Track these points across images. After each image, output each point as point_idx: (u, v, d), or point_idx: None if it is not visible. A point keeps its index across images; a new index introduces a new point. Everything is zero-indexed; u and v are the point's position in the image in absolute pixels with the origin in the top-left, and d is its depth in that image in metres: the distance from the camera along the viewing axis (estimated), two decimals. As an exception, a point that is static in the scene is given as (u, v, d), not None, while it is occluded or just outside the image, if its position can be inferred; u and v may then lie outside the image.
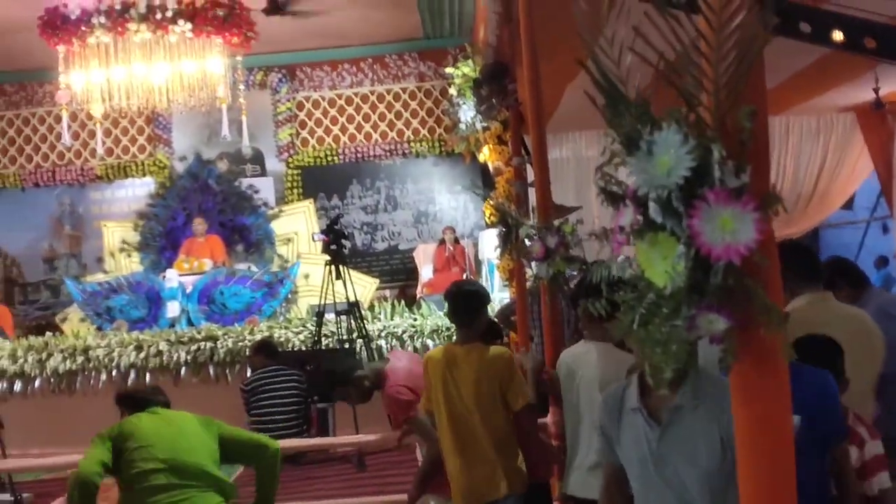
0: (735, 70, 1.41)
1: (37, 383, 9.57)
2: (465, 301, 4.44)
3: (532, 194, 6.48)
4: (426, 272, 13.31)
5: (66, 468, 7.63)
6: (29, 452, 8.14)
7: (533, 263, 5.12)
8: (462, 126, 11.49)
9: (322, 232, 8.70)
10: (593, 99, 1.54)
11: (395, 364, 4.96)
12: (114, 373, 9.52)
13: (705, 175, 1.42)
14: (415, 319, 9.81)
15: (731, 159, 1.42)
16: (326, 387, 7.79)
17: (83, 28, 10.58)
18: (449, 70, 11.64)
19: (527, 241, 5.07)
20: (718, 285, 1.44)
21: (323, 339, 9.10)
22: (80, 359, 9.61)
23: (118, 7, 10.57)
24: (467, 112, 10.83)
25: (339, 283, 8.56)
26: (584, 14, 1.51)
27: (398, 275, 14.17)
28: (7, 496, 6.70)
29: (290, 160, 14.29)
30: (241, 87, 12.16)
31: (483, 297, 4.52)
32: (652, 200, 1.46)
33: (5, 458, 6.95)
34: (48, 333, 10.59)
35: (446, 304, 4.57)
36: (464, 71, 10.76)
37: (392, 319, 9.91)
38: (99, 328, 11.32)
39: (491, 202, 8.77)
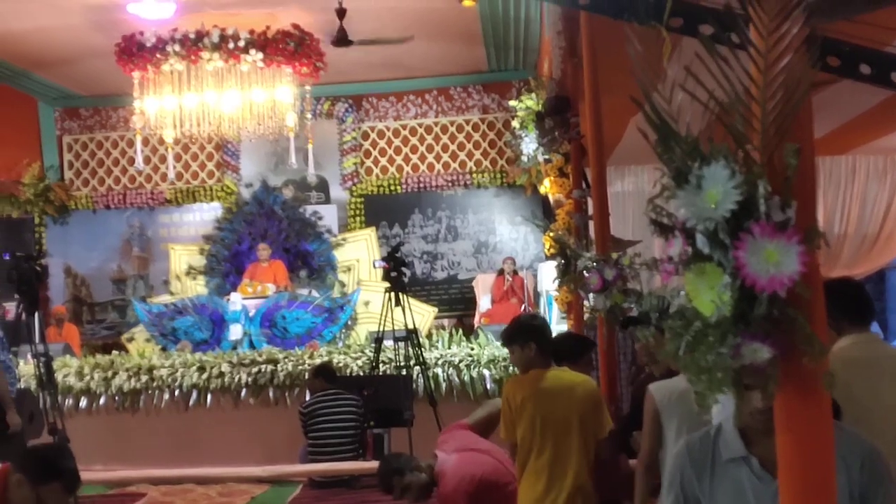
0: (782, 109, 1.48)
1: (102, 401, 9.77)
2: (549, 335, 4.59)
3: (591, 227, 6.55)
4: (484, 302, 13.38)
5: (129, 483, 7.83)
6: (92, 468, 8.32)
7: (590, 295, 5.17)
8: (524, 158, 11.57)
9: (383, 259, 8.81)
10: (645, 134, 1.61)
11: (443, 467, 4.90)
12: (176, 392, 9.69)
13: (751, 209, 1.49)
14: (472, 349, 9.86)
15: (776, 195, 1.49)
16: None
17: (158, 55, 10.91)
18: (512, 103, 11.75)
19: (585, 273, 5.13)
20: (763, 315, 1.50)
21: (381, 365, 9.20)
22: (144, 378, 9.80)
23: (192, 36, 10.88)
24: (529, 144, 10.90)
25: (398, 311, 8.66)
26: (638, 54, 1.59)
27: (456, 304, 14.26)
28: (71, 509, 6.85)
29: (353, 188, 14.51)
30: (309, 116, 12.41)
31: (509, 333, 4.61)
32: (700, 232, 1.53)
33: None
34: (114, 352, 10.83)
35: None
36: (527, 104, 10.85)
37: (449, 348, 9.97)
38: (163, 348, 11.56)
39: (550, 234, 8.82)
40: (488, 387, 9.36)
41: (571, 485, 4.27)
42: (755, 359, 1.52)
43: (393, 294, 8.53)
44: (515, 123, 11.68)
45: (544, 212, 12.66)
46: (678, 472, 2.42)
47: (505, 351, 9.56)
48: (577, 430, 4.29)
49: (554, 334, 5.56)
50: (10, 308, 7.46)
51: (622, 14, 4.27)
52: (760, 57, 1.46)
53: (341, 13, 9.91)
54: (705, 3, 3.79)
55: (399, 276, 8.44)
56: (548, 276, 11.44)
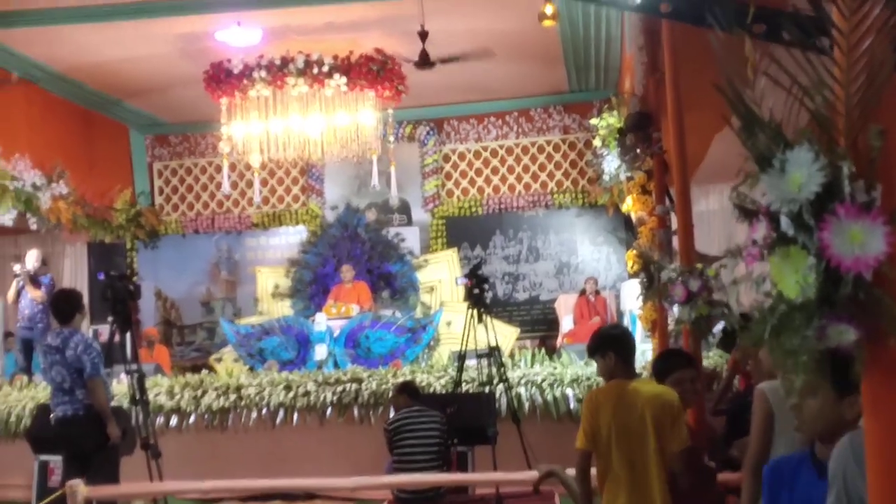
0: (865, 91, 1.49)
1: (191, 419, 9.96)
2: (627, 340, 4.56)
3: (675, 243, 6.51)
4: (567, 323, 13.34)
5: (220, 493, 7.99)
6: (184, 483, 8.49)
7: (675, 307, 5.14)
8: (605, 177, 11.54)
9: (465, 276, 8.88)
10: (728, 121, 1.64)
11: None
12: (263, 411, 9.84)
13: (836, 191, 1.50)
14: (554, 368, 9.83)
15: (861, 177, 1.50)
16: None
17: (245, 81, 11.19)
18: (594, 121, 11.75)
19: (669, 285, 5.10)
20: (848, 296, 1.51)
21: (463, 383, 9.23)
22: (232, 396, 9.97)
23: (278, 62, 11.14)
24: (611, 163, 10.87)
25: (480, 329, 8.69)
26: (719, 41, 1.62)
27: (539, 325, 14.24)
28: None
29: (435, 210, 14.64)
30: (391, 139, 12.57)
31: (594, 342, 4.59)
32: (784, 215, 1.54)
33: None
34: (203, 372, 11.06)
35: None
36: (609, 121, 10.84)
37: (532, 367, 9.96)
38: (251, 368, 11.78)
39: (633, 251, 8.78)
40: (571, 406, 9.31)
41: (650, 498, 4.23)
42: (841, 341, 1.52)
43: (475, 311, 8.57)
44: (597, 142, 11.67)
45: (627, 231, 12.60)
46: (841, 468, 2.32)
47: (588, 370, 9.57)
48: (652, 442, 4.24)
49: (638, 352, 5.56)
50: (104, 330, 7.69)
51: (703, 20, 4.27)
52: (843, 38, 1.48)
53: (423, 35, 10.05)
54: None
55: (481, 293, 8.48)
56: (630, 296, 11.36)
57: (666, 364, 4.86)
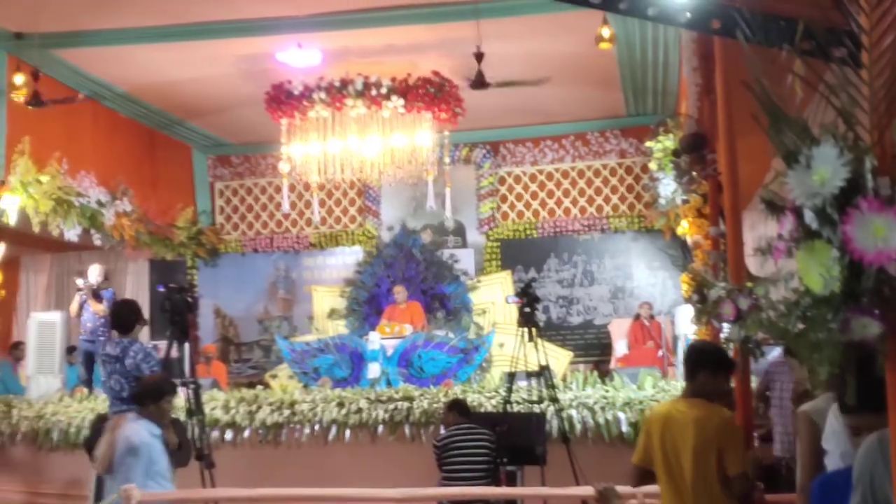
0: (889, 88, 1.52)
1: (246, 433, 10.08)
2: (689, 355, 4.52)
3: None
4: (621, 347, 13.27)
5: (271, 501, 8.07)
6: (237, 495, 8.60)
7: (725, 326, 5.11)
8: (662, 201, 11.50)
9: (516, 295, 8.90)
10: (757, 118, 1.67)
11: None
12: (316, 427, 9.93)
13: (859, 185, 1.53)
14: (606, 391, 9.79)
15: (884, 172, 1.53)
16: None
17: (305, 103, 11.38)
18: (649, 143, 11.72)
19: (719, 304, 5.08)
20: (872, 290, 1.53)
21: (514, 404, 9.23)
22: (286, 412, 10.08)
23: (337, 84, 11.31)
24: (667, 186, 10.84)
25: (531, 349, 8.69)
26: (751, 48, 1.66)
27: (592, 349, 14.18)
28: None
29: (490, 233, 14.70)
30: (447, 161, 12.67)
31: (708, 356, 4.50)
32: (808, 209, 1.58)
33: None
34: (258, 387, 11.19)
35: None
36: (665, 145, 10.81)
37: (584, 389, 9.93)
38: (305, 385, 11.89)
39: (688, 273, 8.74)
40: (623, 430, 9.26)
41: None
42: (865, 334, 1.54)
43: (526, 330, 8.58)
44: (653, 165, 11.64)
45: (683, 254, 12.52)
46: (868, 468, 2.28)
47: (641, 394, 9.51)
48: (696, 464, 4.22)
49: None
50: (162, 346, 7.85)
51: (753, 38, 4.29)
52: (865, 35, 1.51)
53: (479, 57, 10.14)
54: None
55: (532, 312, 8.49)
56: (685, 320, 11.28)
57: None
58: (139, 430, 5.40)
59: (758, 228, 11.89)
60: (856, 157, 1.53)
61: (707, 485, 4.20)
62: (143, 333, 7.87)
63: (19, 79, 10.00)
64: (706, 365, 4.43)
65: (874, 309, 1.54)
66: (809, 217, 1.57)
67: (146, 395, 5.57)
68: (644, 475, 4.50)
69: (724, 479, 4.20)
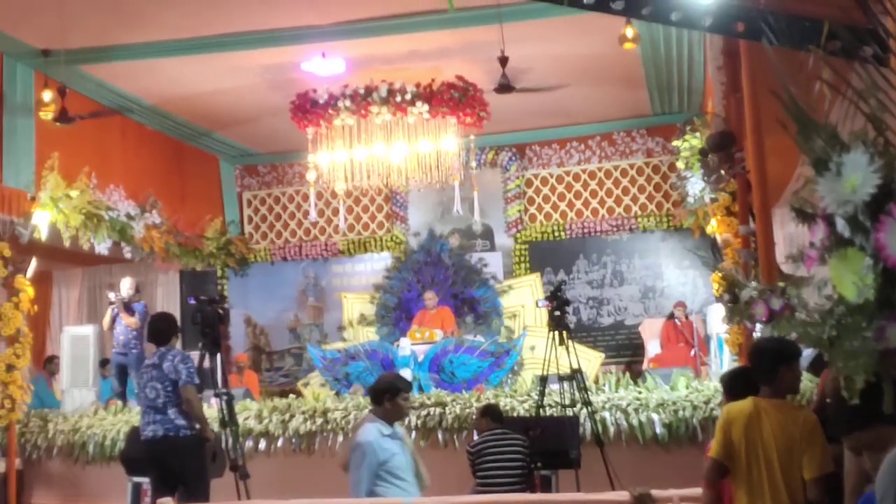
0: (919, 92, 1.50)
1: (279, 442, 10.12)
2: (764, 354, 4.46)
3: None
4: (653, 347, 13.21)
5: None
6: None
7: (758, 327, 5.07)
8: (690, 199, 11.43)
9: (546, 298, 8.87)
10: (785, 124, 1.65)
11: None
12: (350, 434, 9.94)
13: (892, 192, 1.51)
14: (639, 392, 9.73)
15: (917, 177, 1.50)
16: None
17: (330, 111, 11.41)
18: (676, 143, 11.65)
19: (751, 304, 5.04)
20: (907, 297, 1.51)
21: (547, 407, 9.20)
22: (319, 420, 10.10)
23: (362, 91, 11.33)
24: (695, 185, 10.77)
25: (562, 352, 8.66)
26: (775, 50, 1.64)
27: (624, 350, 14.12)
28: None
29: (518, 235, 14.67)
30: (473, 164, 12.66)
31: (785, 352, 4.40)
32: (840, 217, 1.55)
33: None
34: (291, 396, 11.22)
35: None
36: (692, 143, 10.75)
37: (616, 391, 9.87)
38: (337, 392, 11.91)
39: (718, 273, 8.67)
40: (657, 431, 9.20)
41: None
42: (901, 341, 1.52)
43: (557, 333, 8.55)
44: (680, 164, 11.57)
45: (713, 253, 12.43)
46: (892, 484, 2.11)
47: (675, 395, 9.45)
48: (782, 466, 4.18)
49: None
50: (194, 356, 7.89)
51: (780, 40, 4.26)
52: (893, 39, 1.49)
53: (503, 61, 10.13)
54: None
55: (562, 315, 8.46)
56: (717, 319, 11.20)
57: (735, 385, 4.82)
58: (368, 430, 5.44)
59: (788, 226, 11.81)
60: (886, 163, 1.50)
61: (792, 488, 4.16)
62: (177, 345, 7.90)
63: (47, 95, 10.08)
64: (784, 359, 4.36)
65: (910, 316, 1.52)
66: (841, 225, 1.55)
67: (382, 392, 5.59)
68: (722, 470, 4.46)
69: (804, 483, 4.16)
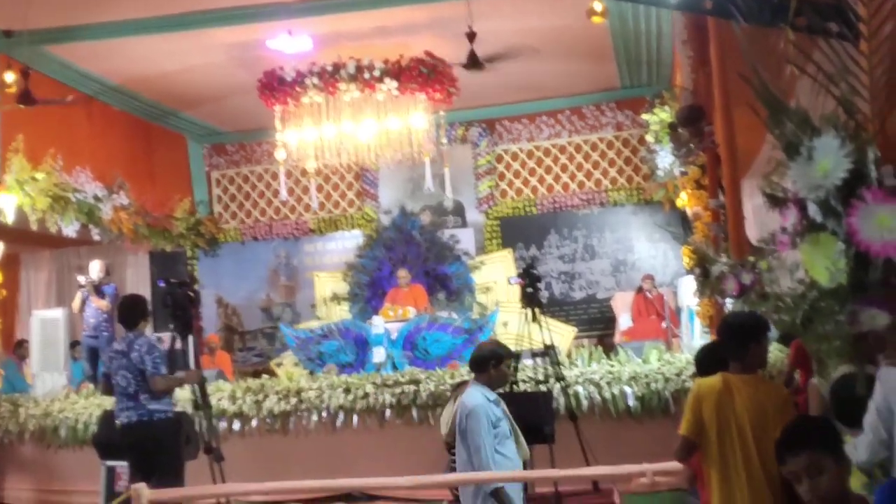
0: (890, 77, 1.50)
1: (253, 423, 10.08)
2: (734, 330, 4.44)
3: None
4: (624, 320, 13.27)
5: (283, 495, 8.09)
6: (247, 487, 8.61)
7: (728, 302, 5.11)
8: (660, 173, 11.47)
9: (518, 276, 8.87)
10: (756, 110, 1.65)
11: None
12: (324, 414, 9.92)
13: (863, 176, 1.51)
14: (612, 366, 9.77)
15: (888, 161, 1.50)
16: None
17: (298, 89, 11.32)
18: (646, 116, 11.67)
19: (722, 279, 5.07)
20: (879, 281, 1.51)
21: (520, 383, 9.22)
22: (293, 400, 10.06)
23: (329, 68, 11.25)
24: (665, 158, 10.81)
25: (535, 328, 8.67)
26: (744, 30, 1.63)
27: (596, 323, 14.19)
28: (227, 525, 7.13)
29: (489, 211, 14.67)
30: (444, 141, 12.61)
31: (754, 328, 4.15)
32: (811, 202, 1.55)
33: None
34: (264, 376, 11.18)
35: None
36: (661, 117, 10.77)
37: (589, 365, 9.91)
38: (311, 372, 11.88)
39: (689, 246, 8.72)
40: (630, 404, 9.26)
41: (749, 495, 4.19)
42: (873, 325, 1.53)
43: (529, 310, 8.56)
44: (650, 137, 11.61)
45: (683, 226, 12.50)
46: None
47: (647, 367, 9.51)
48: (756, 441, 4.19)
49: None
50: (166, 337, 7.84)
51: (749, 17, 4.26)
52: (864, 25, 1.48)
53: (471, 37, 10.08)
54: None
55: (535, 292, 8.47)
56: (688, 292, 11.26)
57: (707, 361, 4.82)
58: (473, 394, 5.34)
59: (756, 198, 11.87)
60: (858, 147, 1.50)
61: (766, 462, 4.17)
62: (147, 327, 7.83)
63: (10, 76, 9.93)
64: (754, 335, 4.34)
65: (882, 300, 1.52)
66: (813, 209, 1.55)
67: (485, 360, 5.50)
68: (692, 448, 4.46)
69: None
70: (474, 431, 5.24)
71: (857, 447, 3.25)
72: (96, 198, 11.81)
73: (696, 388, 4.44)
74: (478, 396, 5.30)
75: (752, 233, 8.36)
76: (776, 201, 1.65)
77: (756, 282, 4.83)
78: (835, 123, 1.52)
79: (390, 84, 11.30)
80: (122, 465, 8.08)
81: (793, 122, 1.57)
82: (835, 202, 1.51)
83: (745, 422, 4.20)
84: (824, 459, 2.53)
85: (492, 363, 5.45)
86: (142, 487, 5.46)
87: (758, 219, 11.67)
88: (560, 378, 8.78)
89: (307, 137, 11.88)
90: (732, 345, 4.39)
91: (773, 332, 7.92)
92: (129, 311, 7.02)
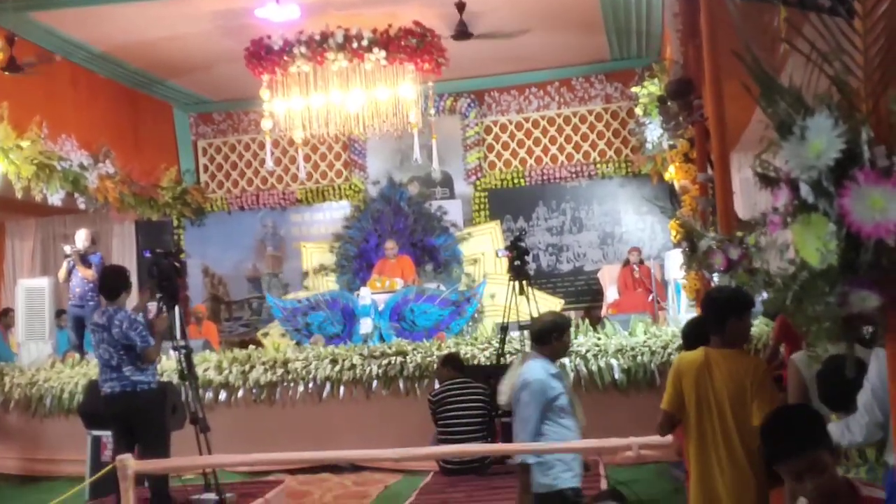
0: (885, 56, 1.48)
1: (240, 393, 10.11)
2: (713, 305, 4.46)
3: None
4: (611, 293, 13.30)
5: (269, 465, 8.12)
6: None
7: (715, 276, 5.10)
8: (648, 146, 11.45)
9: (506, 248, 8.88)
10: (748, 87, 1.63)
11: None
12: (310, 385, 9.95)
13: (856, 157, 1.49)
14: (598, 339, 9.82)
15: (882, 142, 1.48)
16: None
17: (285, 58, 11.22)
18: (635, 89, 11.63)
19: (709, 254, 5.05)
20: (870, 263, 1.50)
21: (507, 355, 9.25)
22: (279, 371, 10.09)
23: (317, 37, 11.15)
24: (654, 131, 10.78)
25: (522, 300, 8.68)
26: (737, 7, 1.61)
27: (583, 296, 14.22)
28: (212, 495, 7.13)
29: (477, 183, 14.64)
30: (432, 112, 12.55)
31: (734, 302, 4.39)
32: (804, 182, 1.54)
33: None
34: (251, 347, 11.18)
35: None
36: (650, 89, 10.72)
37: (576, 338, 9.94)
38: (297, 343, 11.89)
39: (676, 220, 8.70)
40: (616, 377, 9.32)
41: (729, 468, 4.22)
42: (863, 307, 1.52)
43: (517, 283, 8.57)
44: (639, 110, 11.57)
45: (671, 199, 12.49)
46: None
47: (633, 340, 9.54)
48: (734, 415, 4.20)
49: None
50: (152, 307, 7.80)
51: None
52: (859, 2, 1.46)
53: (461, 7, 10.01)
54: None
55: (522, 264, 8.48)
56: (675, 265, 11.28)
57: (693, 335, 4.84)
58: (534, 368, 5.32)
59: (744, 171, 11.88)
60: (851, 128, 1.48)
61: (745, 435, 4.19)
62: (132, 297, 7.79)
63: (-6, 44, 9.83)
64: (734, 311, 4.36)
65: (873, 281, 1.51)
66: (805, 190, 1.53)
67: (548, 332, 5.46)
68: (673, 421, 4.48)
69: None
70: (527, 405, 5.25)
71: (851, 428, 3.27)
72: (82, 166, 11.72)
73: (677, 362, 4.47)
74: (538, 371, 5.27)
75: (740, 207, 8.36)
76: (768, 181, 1.63)
77: (744, 257, 4.81)
78: (828, 103, 1.50)
79: (379, 54, 11.21)
80: (107, 435, 8.08)
81: (786, 101, 1.55)
82: (827, 183, 1.49)
83: (724, 396, 4.22)
84: (823, 456, 2.53)
85: (554, 335, 5.44)
86: (127, 458, 5.45)
87: (745, 193, 11.72)
88: (547, 351, 8.78)
89: (295, 107, 11.80)
90: (713, 319, 4.41)
91: (759, 307, 7.97)
92: (111, 283, 6.98)
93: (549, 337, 5.43)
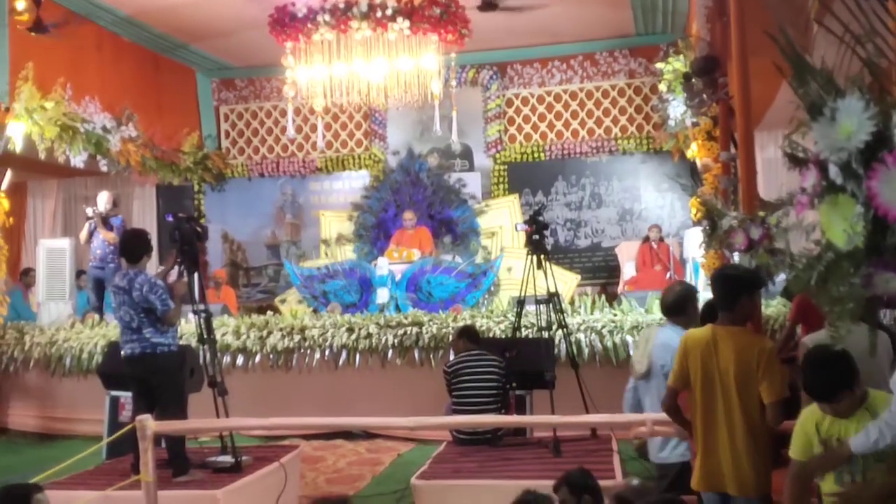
0: (919, 39, 1.48)
1: (257, 358, 10.17)
2: (725, 283, 4.46)
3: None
4: (628, 269, 13.30)
5: (284, 430, 8.18)
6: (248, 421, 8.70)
7: (735, 255, 5.11)
8: (671, 122, 11.39)
9: (525, 222, 8.86)
10: (780, 68, 1.63)
11: None
12: (326, 352, 10.01)
13: (886, 139, 1.50)
14: (615, 315, 9.83)
15: (912, 125, 1.49)
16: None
17: (309, 25, 11.19)
18: (659, 65, 11.56)
19: (730, 233, 5.06)
20: (895, 245, 1.51)
21: (523, 329, 9.27)
22: (296, 337, 10.16)
23: (342, 5, 11.11)
24: (677, 108, 10.72)
25: (539, 275, 8.67)
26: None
27: (600, 272, 14.23)
28: (228, 458, 7.20)
29: (497, 156, 14.62)
30: (454, 83, 12.51)
31: (746, 281, 4.41)
32: (833, 163, 1.55)
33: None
34: (268, 313, 11.24)
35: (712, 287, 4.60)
36: (675, 66, 10.66)
37: (592, 314, 9.97)
38: (314, 310, 11.96)
39: (697, 198, 8.69)
40: (631, 353, 9.32)
41: (730, 446, 4.25)
42: (888, 289, 1.53)
43: (535, 257, 8.56)
44: (662, 86, 11.51)
45: (692, 177, 12.46)
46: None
47: (649, 317, 9.55)
48: (739, 393, 4.23)
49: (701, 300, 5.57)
50: (173, 273, 7.84)
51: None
52: (894, -13, 1.46)
53: (487, -22, 9.97)
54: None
55: (541, 239, 8.45)
56: (694, 243, 11.26)
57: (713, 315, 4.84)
58: (668, 333, 5.36)
59: (768, 149, 11.81)
60: (882, 111, 1.49)
61: (748, 413, 4.22)
62: (153, 261, 7.84)
63: (21, 4, 9.84)
64: (745, 289, 4.37)
65: (898, 264, 1.52)
66: (834, 171, 1.54)
67: (683, 301, 5.48)
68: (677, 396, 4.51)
69: (762, 407, 4.22)
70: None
71: (882, 431, 3.20)
72: (104, 129, 11.77)
73: (685, 339, 4.49)
74: (675, 339, 5.25)
75: (762, 187, 8.34)
76: (796, 161, 1.64)
77: (765, 237, 4.82)
78: (859, 86, 1.50)
79: (402, 24, 11.16)
80: (125, 396, 8.18)
81: (817, 82, 1.56)
82: (856, 165, 1.50)
83: (730, 373, 4.24)
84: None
85: (689, 305, 5.46)
86: (147, 419, 5.52)
87: (768, 172, 11.67)
88: (563, 325, 8.81)
89: (317, 75, 11.77)
90: (725, 295, 4.41)
91: (775, 288, 7.95)
92: (132, 246, 7.01)
93: (686, 306, 5.46)
